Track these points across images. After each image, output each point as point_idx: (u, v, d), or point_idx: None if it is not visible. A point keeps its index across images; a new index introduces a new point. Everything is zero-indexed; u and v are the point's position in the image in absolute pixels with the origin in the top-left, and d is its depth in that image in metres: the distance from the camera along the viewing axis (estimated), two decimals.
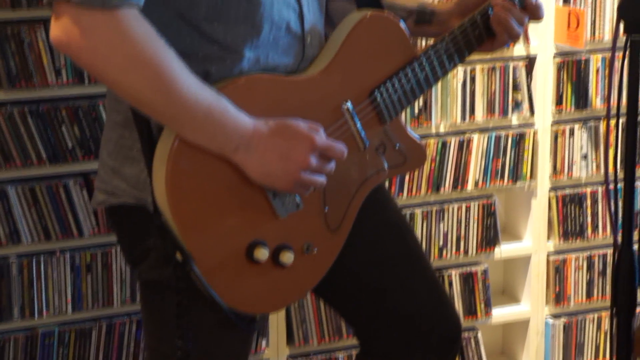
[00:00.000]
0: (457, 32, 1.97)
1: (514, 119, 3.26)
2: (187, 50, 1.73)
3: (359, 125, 1.88)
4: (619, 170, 1.84)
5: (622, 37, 1.74)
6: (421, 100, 3.15)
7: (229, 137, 1.71)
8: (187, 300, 1.79)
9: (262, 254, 1.79)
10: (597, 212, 3.38)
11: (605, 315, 3.44)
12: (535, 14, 2.00)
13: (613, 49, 1.65)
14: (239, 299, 1.81)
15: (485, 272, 3.29)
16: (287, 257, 1.82)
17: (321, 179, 1.79)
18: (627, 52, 1.64)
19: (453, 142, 3.21)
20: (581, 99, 3.30)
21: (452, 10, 2.07)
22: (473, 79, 3.19)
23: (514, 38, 1.99)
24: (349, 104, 1.87)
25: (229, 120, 1.70)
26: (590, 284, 3.41)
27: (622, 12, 1.62)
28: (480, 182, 3.26)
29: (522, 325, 3.42)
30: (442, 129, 3.21)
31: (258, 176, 1.75)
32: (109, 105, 1.91)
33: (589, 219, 3.37)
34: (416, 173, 3.19)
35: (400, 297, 2.09)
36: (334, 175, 1.83)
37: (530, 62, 3.24)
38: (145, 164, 1.77)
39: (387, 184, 3.16)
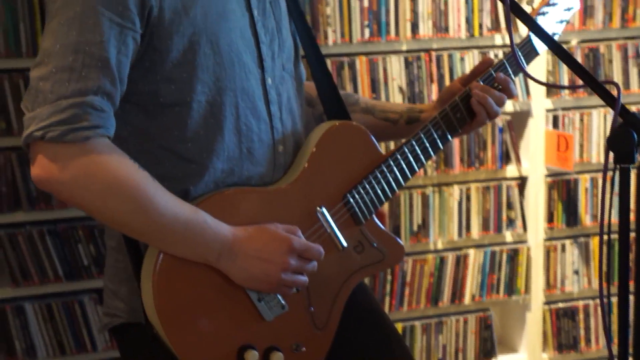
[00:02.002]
0: (438, 118, 2.05)
1: (508, 235, 3.32)
2: (167, 173, 1.80)
3: (334, 228, 1.93)
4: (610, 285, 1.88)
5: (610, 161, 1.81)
6: (420, 218, 3.21)
7: (210, 247, 1.76)
8: None
9: (253, 356, 1.81)
10: (590, 326, 3.41)
11: None
12: (508, 90, 2.08)
13: (604, 179, 1.72)
14: None
15: None
16: (278, 358, 1.85)
17: (302, 279, 1.84)
18: (617, 179, 1.72)
19: (450, 257, 3.26)
20: (571, 216, 3.37)
21: (435, 107, 2.15)
22: (468, 198, 3.25)
23: (492, 116, 2.06)
24: (323, 209, 1.92)
25: (209, 231, 1.75)
26: None
27: (611, 145, 1.69)
28: (476, 296, 3.30)
29: None
30: (439, 246, 3.26)
31: (241, 281, 1.80)
32: (105, 232, 1.97)
33: (582, 332, 3.40)
34: (415, 287, 3.23)
35: None
36: (316, 276, 1.88)
37: (522, 182, 3.32)
38: (137, 282, 1.82)
39: (387, 297, 3.20)
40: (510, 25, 1.85)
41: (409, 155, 2.01)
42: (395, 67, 3.13)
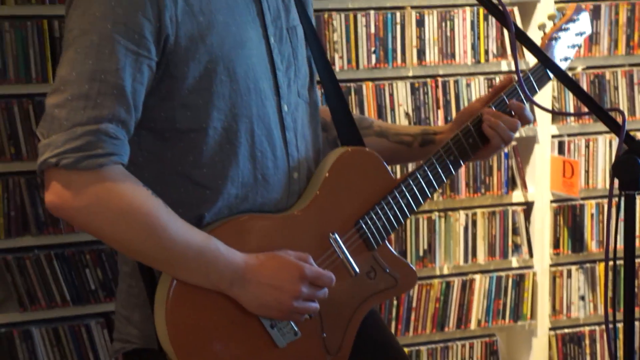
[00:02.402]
0: (450, 143, 2.05)
1: (514, 261, 3.32)
2: (182, 199, 1.81)
3: (347, 254, 1.94)
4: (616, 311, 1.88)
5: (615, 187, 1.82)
6: (426, 243, 3.21)
7: (222, 274, 1.76)
8: None
9: None
10: (596, 352, 3.40)
11: None
12: (522, 116, 2.08)
13: (609, 205, 1.72)
14: None
15: None
16: None
17: (314, 306, 1.84)
18: (622, 205, 1.72)
19: (456, 283, 3.25)
20: (577, 242, 3.36)
21: (452, 128, 2.15)
22: (474, 223, 3.25)
23: (506, 141, 2.06)
24: (335, 235, 1.93)
25: (220, 258, 1.76)
26: None
27: (616, 172, 1.70)
28: (482, 322, 3.29)
29: None
30: (445, 271, 3.26)
31: (254, 308, 1.80)
32: (119, 257, 1.97)
33: (588, 358, 3.39)
34: (421, 312, 3.22)
35: None
36: (329, 302, 1.88)
37: (528, 208, 3.32)
38: (151, 309, 1.82)
39: (393, 322, 3.20)
40: (515, 53, 1.86)
41: (421, 180, 2.01)
42: (402, 93, 3.14)
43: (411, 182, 2.00)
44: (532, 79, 2.11)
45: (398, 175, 2.02)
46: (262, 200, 1.87)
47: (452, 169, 2.04)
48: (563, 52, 2.17)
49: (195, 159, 1.80)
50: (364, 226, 1.96)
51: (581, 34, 2.20)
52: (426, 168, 2.01)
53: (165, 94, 1.75)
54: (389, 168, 2.03)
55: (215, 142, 1.80)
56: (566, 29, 2.17)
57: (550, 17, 2.16)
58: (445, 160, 2.03)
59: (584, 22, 2.20)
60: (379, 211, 1.98)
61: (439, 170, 2.02)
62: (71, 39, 1.68)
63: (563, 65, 2.18)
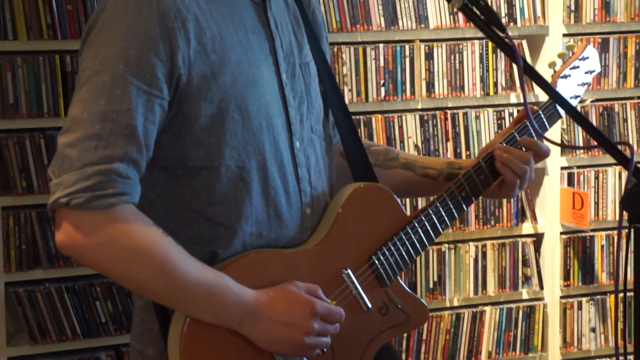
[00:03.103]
0: (462, 180, 2.04)
1: (524, 293, 3.31)
2: (196, 235, 1.80)
3: (360, 289, 1.93)
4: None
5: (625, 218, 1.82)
6: (436, 275, 3.20)
7: (233, 312, 1.76)
8: None
9: None
10: None
11: None
12: (536, 151, 2.06)
13: (619, 238, 1.72)
14: None
15: None
16: None
17: (326, 341, 1.84)
18: (633, 239, 1.72)
19: (466, 315, 3.24)
20: (588, 274, 3.35)
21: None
22: (484, 255, 3.25)
23: (520, 175, 2.03)
24: (348, 271, 1.92)
25: (231, 296, 1.75)
26: None
27: (625, 205, 1.70)
28: (493, 354, 3.28)
29: None
30: (455, 303, 3.25)
31: (266, 345, 1.79)
32: (132, 291, 1.97)
33: None
34: (432, 344, 3.21)
35: None
36: (341, 336, 1.87)
37: (538, 240, 3.32)
38: (164, 344, 1.81)
39: (403, 355, 3.18)
40: (524, 87, 1.86)
41: (433, 216, 2.01)
42: (411, 125, 3.15)
43: (423, 218, 2.00)
44: (542, 116, 2.11)
45: (410, 210, 2.01)
46: (275, 236, 1.87)
47: (464, 205, 2.04)
48: (573, 90, 2.17)
49: (208, 197, 1.80)
50: (376, 262, 1.96)
51: (591, 72, 2.21)
52: (438, 204, 2.01)
53: (178, 132, 1.76)
54: (401, 204, 2.03)
55: (228, 179, 1.80)
56: (576, 67, 2.17)
57: (560, 56, 2.17)
58: (457, 196, 2.03)
59: (593, 60, 2.21)
60: (392, 247, 1.98)
61: (451, 206, 2.02)
62: (84, 79, 1.69)
63: (573, 103, 2.18)
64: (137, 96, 1.67)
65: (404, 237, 1.98)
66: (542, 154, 2.07)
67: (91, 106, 1.66)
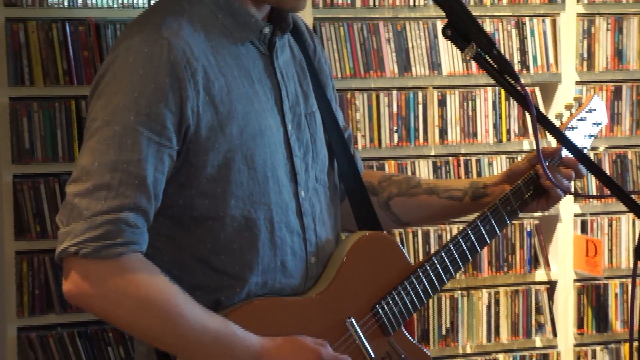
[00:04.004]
0: (468, 229, 2.02)
1: (538, 340, 3.28)
2: (200, 283, 1.80)
3: (363, 339, 1.91)
4: None
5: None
6: (448, 321, 3.18)
7: (239, 358, 1.75)
8: None
9: None
10: None
11: None
12: (577, 170, 2.06)
13: (633, 286, 1.70)
14: None
15: None
16: None
17: None
18: None
19: None
20: (602, 322, 3.32)
21: (502, 180, 2.11)
22: (497, 302, 3.23)
23: (565, 190, 2.05)
24: (352, 320, 1.91)
25: (237, 343, 1.74)
26: None
27: (638, 254, 1.69)
28: None
29: None
30: (468, 350, 3.22)
31: None
32: (135, 337, 1.96)
33: None
34: None
35: None
36: None
37: (551, 287, 3.29)
38: None
39: None
40: (537, 136, 1.85)
41: (438, 266, 2.00)
42: (424, 171, 3.15)
43: (428, 268, 1.99)
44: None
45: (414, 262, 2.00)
46: (280, 285, 1.86)
47: (469, 255, 2.03)
48: (580, 142, 2.17)
49: (213, 246, 1.80)
50: (380, 311, 1.95)
51: (598, 124, 2.20)
52: (443, 254, 2.01)
53: (184, 181, 1.76)
54: (406, 253, 2.03)
55: (233, 229, 1.80)
56: (583, 119, 2.17)
57: (567, 107, 2.17)
58: (462, 246, 2.02)
59: (600, 112, 2.21)
60: (396, 296, 1.96)
61: (456, 256, 2.01)
62: (94, 129, 1.70)
63: None
64: (147, 147, 1.68)
65: (408, 287, 1.97)
66: (580, 174, 2.08)
67: (101, 156, 1.67)
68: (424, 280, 1.98)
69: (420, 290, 1.98)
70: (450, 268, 2.01)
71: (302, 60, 1.97)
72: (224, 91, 1.77)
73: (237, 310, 1.79)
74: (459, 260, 2.02)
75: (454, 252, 2.01)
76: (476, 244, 2.03)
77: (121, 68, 1.70)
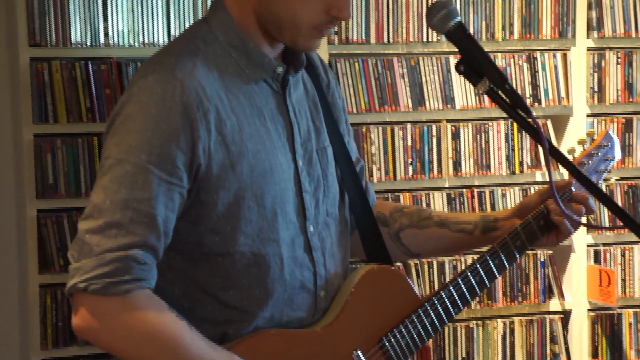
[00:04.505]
0: (477, 264, 2.02)
1: None
2: (209, 316, 1.82)
3: None
4: None
5: None
6: (464, 351, 3.18)
7: None
8: None
9: None
10: None
11: None
12: (587, 206, 2.06)
13: None
14: None
15: None
16: None
17: None
18: None
19: None
20: (616, 351, 3.32)
21: (513, 214, 2.11)
22: (512, 332, 3.23)
23: (575, 226, 2.04)
24: (359, 352, 1.92)
25: None
26: None
27: None
28: None
29: None
30: None
31: None
32: None
33: None
34: None
35: None
36: None
37: (565, 317, 3.30)
38: None
39: None
40: (549, 168, 1.86)
41: (446, 300, 2.00)
42: (438, 203, 3.16)
43: (436, 302, 2.00)
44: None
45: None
46: (287, 319, 1.88)
47: (477, 290, 2.04)
48: (592, 177, 2.17)
49: (222, 281, 1.82)
50: (387, 344, 1.95)
51: (610, 160, 2.21)
52: (451, 287, 2.01)
53: (195, 219, 1.78)
54: (414, 286, 2.05)
55: (242, 265, 1.82)
56: (595, 155, 2.18)
57: (580, 142, 2.18)
58: (470, 280, 2.03)
59: (613, 148, 2.21)
60: (403, 329, 1.97)
61: (464, 290, 2.02)
62: (107, 167, 1.72)
63: None
64: (158, 185, 1.70)
65: (415, 320, 1.98)
66: (591, 210, 2.08)
67: (113, 194, 1.69)
68: (432, 313, 1.99)
69: (427, 324, 1.99)
70: (459, 302, 2.02)
71: (315, 95, 1.99)
72: (235, 130, 1.79)
73: (243, 342, 1.81)
74: (467, 295, 2.02)
75: (462, 286, 2.02)
76: (485, 279, 2.03)
77: (135, 107, 1.73)
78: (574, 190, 2.07)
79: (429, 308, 1.99)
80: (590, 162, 2.17)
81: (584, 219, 2.08)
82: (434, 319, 1.99)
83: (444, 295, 2.00)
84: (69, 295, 1.71)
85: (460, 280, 2.02)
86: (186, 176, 1.73)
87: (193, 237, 1.79)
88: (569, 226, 2.04)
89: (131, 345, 1.71)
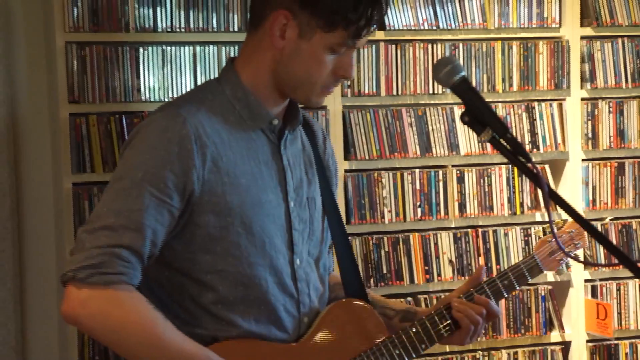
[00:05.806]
0: (424, 320, 2.09)
1: None
2: (201, 325, 1.94)
3: None
4: None
5: None
6: None
7: None
8: None
9: None
10: None
11: None
12: (488, 309, 2.10)
13: None
14: None
15: None
16: None
17: None
18: None
19: None
20: None
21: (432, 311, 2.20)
22: None
23: (474, 323, 2.08)
24: None
25: None
26: None
27: None
28: None
29: None
30: None
31: None
32: None
33: None
34: None
35: None
36: None
37: (566, 348, 3.36)
38: None
39: None
40: (549, 210, 1.89)
41: (414, 338, 2.07)
42: (445, 242, 3.23)
43: (396, 340, 2.07)
44: (511, 276, 2.17)
45: None
46: (274, 337, 1.97)
47: (420, 349, 2.08)
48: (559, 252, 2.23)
49: (212, 296, 1.94)
50: None
51: (576, 244, 2.27)
52: (395, 340, 2.07)
53: (189, 238, 1.92)
54: (383, 323, 2.10)
55: (231, 284, 1.94)
56: (560, 238, 2.23)
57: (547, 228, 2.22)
58: (414, 341, 2.08)
59: (579, 237, 2.26)
60: (372, 356, 2.04)
61: (403, 348, 2.07)
62: (110, 183, 1.90)
63: (564, 268, 2.25)
64: (149, 200, 1.85)
65: (383, 349, 2.05)
66: (493, 313, 2.14)
67: (110, 204, 1.87)
68: (398, 345, 2.06)
69: (395, 354, 2.06)
70: (418, 346, 2.08)
71: (311, 155, 2.12)
72: (230, 165, 1.93)
73: (222, 344, 1.93)
74: (410, 350, 2.06)
75: (406, 341, 2.06)
76: (426, 340, 2.08)
77: (141, 136, 1.91)
78: (475, 296, 2.12)
79: (396, 340, 2.07)
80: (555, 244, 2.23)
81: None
82: (401, 350, 2.07)
83: (389, 344, 2.06)
84: (62, 283, 1.84)
85: (403, 335, 2.07)
86: (177, 196, 1.87)
87: (187, 255, 1.93)
88: (469, 325, 2.09)
89: (108, 330, 1.83)
